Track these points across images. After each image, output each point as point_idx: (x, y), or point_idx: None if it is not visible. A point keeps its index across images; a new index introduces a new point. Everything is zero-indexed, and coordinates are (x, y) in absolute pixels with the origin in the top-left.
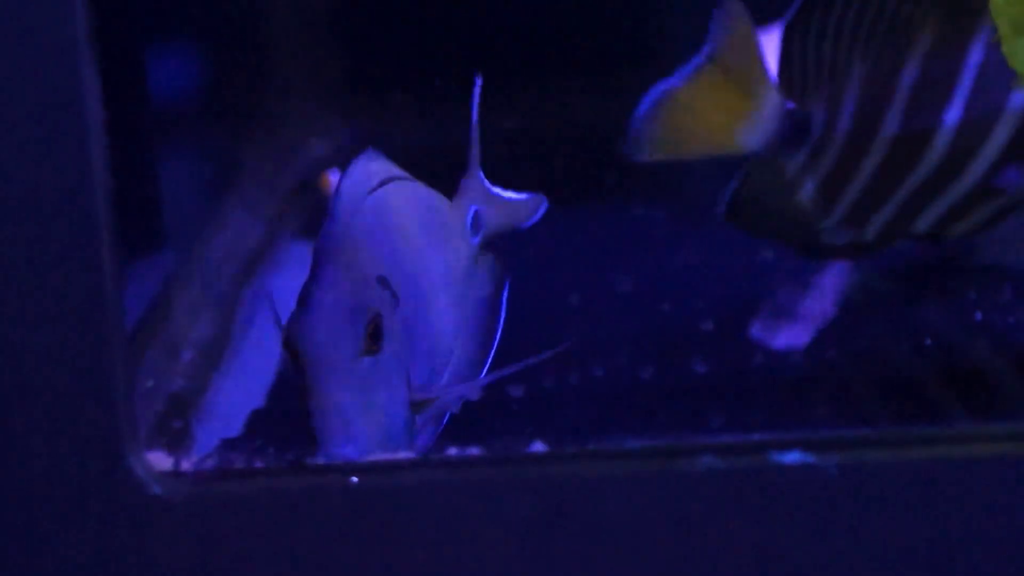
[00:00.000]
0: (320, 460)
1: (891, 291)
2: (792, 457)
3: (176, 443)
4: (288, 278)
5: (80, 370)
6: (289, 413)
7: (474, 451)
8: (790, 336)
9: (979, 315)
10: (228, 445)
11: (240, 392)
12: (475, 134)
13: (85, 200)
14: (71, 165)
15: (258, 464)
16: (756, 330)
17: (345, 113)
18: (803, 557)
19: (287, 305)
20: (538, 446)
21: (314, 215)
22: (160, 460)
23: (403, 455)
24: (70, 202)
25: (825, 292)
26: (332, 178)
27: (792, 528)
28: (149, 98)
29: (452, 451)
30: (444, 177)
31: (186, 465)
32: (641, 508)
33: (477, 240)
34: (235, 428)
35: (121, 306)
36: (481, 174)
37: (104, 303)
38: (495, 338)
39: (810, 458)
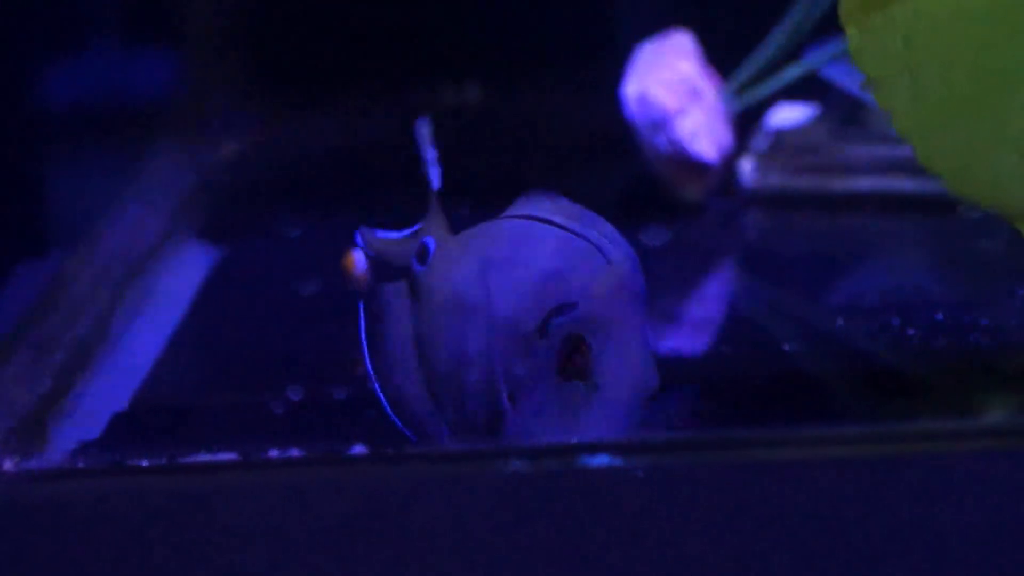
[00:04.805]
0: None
1: (777, 296)
2: (600, 460)
3: (26, 444)
4: (182, 277)
5: None
6: (152, 415)
7: (295, 452)
8: (675, 340)
9: (840, 321)
10: (85, 447)
11: (106, 393)
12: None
13: None
14: None
15: (80, 464)
16: None
17: (258, 114)
18: (609, 557)
19: (172, 302)
20: (359, 448)
21: (215, 215)
22: None
23: (225, 456)
24: None
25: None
26: (356, 258)
27: (599, 529)
28: (40, 98)
29: (273, 452)
30: (355, 180)
31: (8, 465)
32: (453, 510)
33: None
34: (96, 430)
35: None
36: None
37: None
38: None
39: (617, 461)
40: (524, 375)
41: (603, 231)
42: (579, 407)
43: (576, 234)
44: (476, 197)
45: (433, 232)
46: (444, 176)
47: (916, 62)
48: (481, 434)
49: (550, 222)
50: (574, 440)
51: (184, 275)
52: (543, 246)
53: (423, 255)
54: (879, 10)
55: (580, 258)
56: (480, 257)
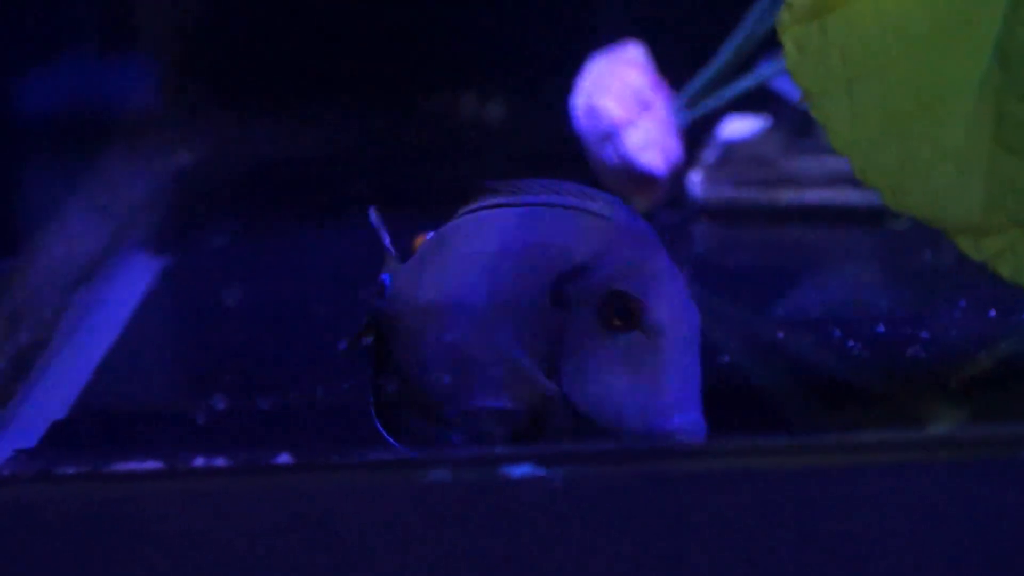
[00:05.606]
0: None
1: (720, 308)
2: (522, 470)
3: None
4: (127, 287)
5: None
6: (90, 423)
7: (220, 461)
8: None
9: (781, 334)
10: (20, 454)
11: (45, 402)
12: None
13: None
14: None
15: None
16: None
17: (211, 125)
18: (530, 568)
19: (116, 311)
20: (284, 458)
21: (163, 225)
22: None
23: (150, 464)
24: None
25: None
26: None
27: (519, 537)
28: None
29: (199, 461)
30: (306, 192)
31: None
32: (376, 519)
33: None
34: (33, 438)
35: None
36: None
37: None
38: None
39: (540, 471)
40: (552, 350)
41: (573, 190)
42: (644, 355)
43: (534, 204)
44: (420, 207)
45: (387, 268)
46: (390, 187)
47: (853, 77)
48: (524, 427)
49: (498, 205)
50: (497, 450)
51: (129, 285)
52: (503, 228)
53: (381, 291)
54: (816, 20)
55: (559, 223)
56: (436, 264)
